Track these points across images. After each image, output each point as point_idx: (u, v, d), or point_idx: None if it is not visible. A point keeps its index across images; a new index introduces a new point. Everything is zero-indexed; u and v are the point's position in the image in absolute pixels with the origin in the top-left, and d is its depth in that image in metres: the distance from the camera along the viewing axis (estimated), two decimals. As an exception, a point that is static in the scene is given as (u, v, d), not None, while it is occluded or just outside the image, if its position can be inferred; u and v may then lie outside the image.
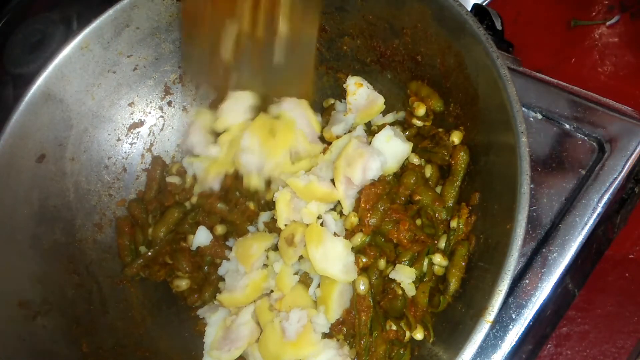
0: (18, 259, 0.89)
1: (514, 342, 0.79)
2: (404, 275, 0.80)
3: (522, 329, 0.80)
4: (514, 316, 0.80)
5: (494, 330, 0.80)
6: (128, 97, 1.04)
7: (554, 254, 0.83)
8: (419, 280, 0.81)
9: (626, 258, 0.99)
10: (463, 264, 0.78)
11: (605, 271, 0.97)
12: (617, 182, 0.86)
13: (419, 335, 0.79)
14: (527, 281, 0.82)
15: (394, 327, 0.80)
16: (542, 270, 0.82)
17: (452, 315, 0.78)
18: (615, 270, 0.98)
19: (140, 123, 1.07)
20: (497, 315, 0.65)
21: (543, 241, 0.85)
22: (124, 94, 1.04)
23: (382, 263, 0.84)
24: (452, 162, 0.85)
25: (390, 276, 0.82)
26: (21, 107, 0.91)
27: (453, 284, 0.77)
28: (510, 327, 0.80)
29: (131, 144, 1.06)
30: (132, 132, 1.06)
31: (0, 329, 0.84)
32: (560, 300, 0.88)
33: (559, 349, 0.93)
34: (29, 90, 0.92)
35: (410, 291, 0.81)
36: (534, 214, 0.87)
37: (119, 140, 1.05)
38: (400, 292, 0.81)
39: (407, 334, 0.80)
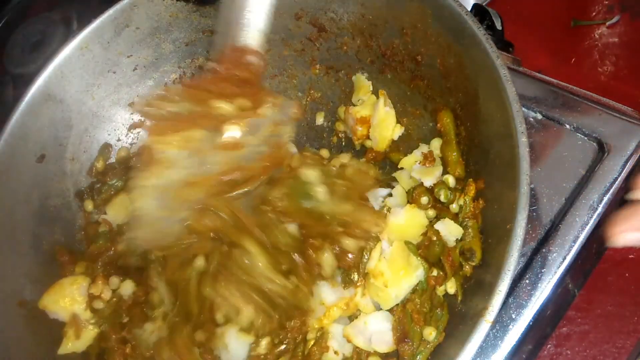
0: (18, 259, 0.89)
1: (514, 342, 0.79)
2: (449, 230, 0.81)
3: (522, 329, 0.80)
4: (514, 316, 0.80)
5: (494, 330, 0.80)
6: (128, 97, 1.04)
7: (554, 254, 0.83)
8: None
9: (626, 258, 0.99)
10: (480, 235, 0.79)
11: (605, 271, 0.97)
12: (617, 182, 0.86)
13: (451, 289, 0.79)
14: (527, 281, 0.82)
15: (434, 274, 0.81)
16: (542, 270, 0.82)
17: (452, 316, 0.78)
18: (615, 270, 0.97)
19: (140, 123, 1.07)
20: (497, 315, 0.65)
21: (543, 241, 0.85)
22: (124, 94, 1.04)
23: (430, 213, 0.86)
24: (441, 129, 0.88)
25: (435, 227, 0.82)
26: (21, 107, 0.91)
27: (478, 253, 0.77)
28: (510, 327, 0.80)
29: (131, 144, 1.06)
30: (132, 132, 1.06)
31: (0, 329, 0.84)
32: (560, 300, 0.88)
33: (559, 349, 0.93)
34: (29, 90, 0.92)
35: (450, 242, 0.81)
36: (534, 214, 0.87)
37: (119, 140, 1.05)
38: (435, 238, 0.82)
39: (442, 287, 0.80)
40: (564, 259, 0.83)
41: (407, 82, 0.95)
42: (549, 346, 0.93)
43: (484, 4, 1.16)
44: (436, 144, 0.91)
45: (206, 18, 1.03)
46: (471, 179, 0.83)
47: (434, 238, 0.82)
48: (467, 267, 0.78)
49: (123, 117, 1.05)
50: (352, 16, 0.96)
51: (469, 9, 0.84)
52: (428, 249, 0.82)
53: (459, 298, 0.79)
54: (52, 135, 0.95)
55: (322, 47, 1.03)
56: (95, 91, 1.00)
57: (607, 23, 1.25)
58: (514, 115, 0.72)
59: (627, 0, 1.27)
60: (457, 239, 0.81)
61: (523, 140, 0.70)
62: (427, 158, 0.90)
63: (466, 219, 0.81)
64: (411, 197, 0.88)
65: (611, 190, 0.85)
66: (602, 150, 0.89)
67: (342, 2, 0.96)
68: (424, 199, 0.86)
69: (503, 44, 1.09)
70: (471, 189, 0.81)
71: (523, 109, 0.82)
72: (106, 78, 1.00)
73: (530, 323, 0.80)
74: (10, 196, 0.90)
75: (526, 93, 0.95)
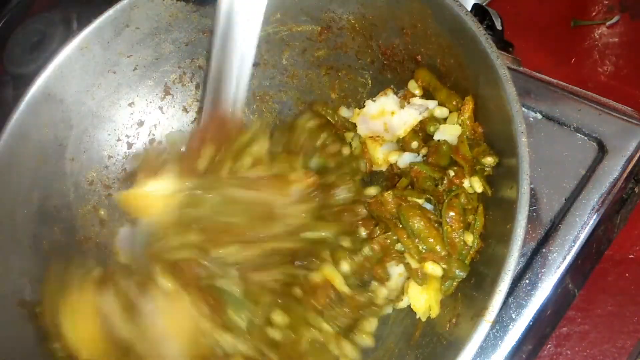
0: (18, 259, 0.89)
1: (514, 342, 0.79)
2: (448, 132, 0.82)
3: (522, 329, 0.80)
4: (514, 316, 0.80)
5: (494, 330, 0.80)
6: (128, 97, 1.04)
7: (554, 254, 0.83)
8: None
9: (626, 258, 0.99)
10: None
11: (605, 271, 0.97)
12: (617, 182, 0.86)
13: (477, 185, 0.79)
14: (527, 281, 0.82)
15: (452, 174, 0.81)
16: (542, 270, 0.82)
17: (452, 315, 0.78)
18: (615, 270, 0.98)
19: (141, 123, 1.07)
20: (497, 315, 0.65)
21: (543, 241, 0.85)
22: (124, 94, 1.04)
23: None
24: (422, 84, 0.90)
25: (435, 137, 0.83)
26: (21, 107, 0.91)
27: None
28: (510, 327, 0.80)
29: (131, 144, 1.06)
30: (132, 132, 1.06)
31: (0, 329, 0.84)
32: (560, 300, 0.88)
33: (559, 349, 0.93)
34: (29, 90, 0.92)
35: (453, 142, 0.82)
36: (534, 214, 0.87)
37: (119, 140, 1.05)
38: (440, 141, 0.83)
39: (469, 185, 0.80)
40: (564, 259, 0.83)
41: (407, 82, 0.95)
42: (549, 346, 0.93)
43: (484, 4, 1.16)
44: (412, 84, 0.91)
45: (206, 18, 1.03)
46: (468, 97, 0.82)
47: (439, 140, 0.83)
48: (488, 158, 0.78)
49: (123, 117, 1.05)
50: (352, 16, 0.96)
51: (469, 9, 0.84)
52: (437, 154, 0.83)
53: (489, 192, 0.78)
54: (52, 135, 0.95)
55: (322, 47, 1.03)
56: (95, 91, 1.00)
57: (607, 23, 1.25)
58: (514, 115, 0.71)
59: (627, 0, 1.27)
60: (459, 136, 0.82)
61: (523, 140, 0.70)
62: (407, 97, 0.91)
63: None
64: (402, 146, 0.89)
65: (611, 190, 0.85)
66: (602, 150, 0.89)
67: (342, 2, 0.96)
68: (414, 144, 0.86)
69: (503, 44, 1.09)
70: (468, 108, 0.81)
71: (523, 109, 0.83)
72: (106, 78, 1.00)
73: (530, 323, 0.80)
74: (10, 196, 0.90)
75: (526, 93, 0.95)
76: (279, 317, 0.80)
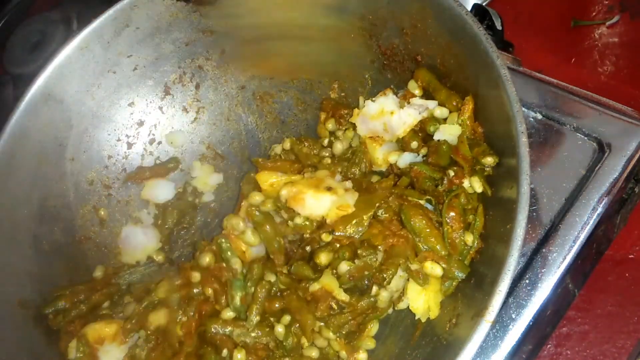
0: (18, 259, 0.89)
1: (514, 342, 0.79)
2: (448, 132, 0.82)
3: (522, 329, 0.80)
4: (514, 316, 0.80)
5: (494, 330, 0.80)
6: (128, 97, 1.04)
7: (554, 254, 0.83)
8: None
9: (626, 258, 0.99)
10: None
11: (605, 271, 0.97)
12: (617, 182, 0.86)
13: (476, 185, 0.79)
14: (527, 281, 0.82)
15: (452, 174, 0.80)
16: (542, 270, 0.82)
17: (452, 315, 0.78)
18: (615, 270, 0.98)
19: (141, 123, 1.07)
20: (497, 315, 0.65)
21: (543, 241, 0.85)
22: (124, 94, 1.04)
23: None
24: (423, 84, 0.90)
25: (435, 138, 0.83)
26: (21, 107, 0.91)
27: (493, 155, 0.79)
28: (510, 327, 0.80)
29: (131, 144, 1.06)
30: (132, 132, 1.06)
31: (0, 329, 0.84)
32: (560, 300, 0.88)
33: (559, 349, 0.93)
34: (29, 90, 0.92)
35: (453, 142, 0.82)
36: (534, 214, 0.87)
37: (118, 140, 1.05)
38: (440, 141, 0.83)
39: (469, 185, 0.80)
40: (564, 259, 0.83)
41: (407, 82, 0.95)
42: (549, 346, 0.93)
43: (484, 4, 1.16)
44: (412, 84, 0.91)
45: (206, 18, 1.03)
46: (468, 97, 0.83)
47: (439, 140, 0.83)
48: (488, 158, 0.78)
49: (123, 117, 1.05)
50: (352, 16, 0.96)
51: (469, 9, 0.84)
52: (437, 154, 0.83)
53: (489, 192, 0.78)
54: (52, 135, 0.95)
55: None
56: (95, 91, 1.00)
57: (607, 23, 1.25)
58: (514, 115, 0.71)
59: (627, 0, 1.27)
60: (459, 136, 0.82)
61: (523, 140, 0.70)
62: (406, 97, 0.91)
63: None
64: (402, 146, 0.89)
65: (611, 190, 0.85)
66: (602, 150, 0.89)
67: (342, 2, 0.96)
68: (414, 144, 0.87)
69: (503, 44, 1.09)
70: (468, 108, 0.82)
71: (523, 109, 0.83)
72: (106, 78, 1.00)
73: (530, 323, 0.80)
74: (10, 196, 0.90)
75: (526, 93, 0.95)
76: (283, 323, 0.81)
